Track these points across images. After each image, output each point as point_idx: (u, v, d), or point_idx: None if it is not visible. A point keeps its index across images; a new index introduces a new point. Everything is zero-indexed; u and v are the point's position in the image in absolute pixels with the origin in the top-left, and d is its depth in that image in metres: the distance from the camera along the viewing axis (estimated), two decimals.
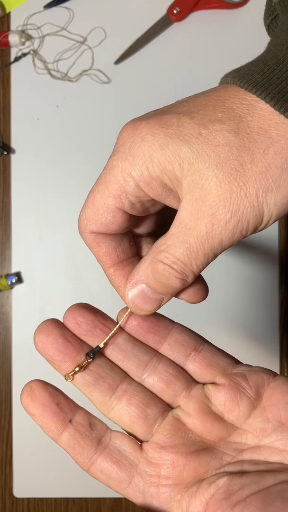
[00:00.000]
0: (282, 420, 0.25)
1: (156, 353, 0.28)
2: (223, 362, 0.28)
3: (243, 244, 0.64)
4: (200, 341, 0.29)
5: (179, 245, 0.23)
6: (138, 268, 0.26)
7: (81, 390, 0.27)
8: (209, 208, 0.22)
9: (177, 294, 0.27)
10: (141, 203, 0.24)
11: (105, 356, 0.27)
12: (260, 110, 0.22)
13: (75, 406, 0.27)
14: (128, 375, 0.27)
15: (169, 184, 0.23)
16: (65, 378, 0.27)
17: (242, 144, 0.22)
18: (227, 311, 0.65)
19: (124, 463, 0.25)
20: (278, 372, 0.64)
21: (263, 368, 0.27)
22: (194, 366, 0.28)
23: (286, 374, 0.64)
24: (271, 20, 0.30)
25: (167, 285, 0.25)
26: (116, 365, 0.28)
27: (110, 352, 0.28)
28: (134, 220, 0.26)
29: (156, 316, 0.28)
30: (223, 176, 0.22)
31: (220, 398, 0.26)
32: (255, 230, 0.23)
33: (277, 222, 0.65)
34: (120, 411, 0.26)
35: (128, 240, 0.27)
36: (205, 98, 0.24)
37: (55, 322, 0.28)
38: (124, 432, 0.27)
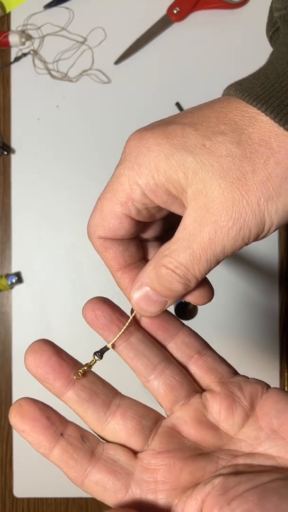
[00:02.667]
0: (275, 427, 0.26)
1: (165, 358, 0.28)
2: (222, 369, 0.29)
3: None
4: (205, 346, 0.30)
5: (183, 250, 0.24)
6: (143, 272, 0.27)
7: (74, 407, 0.27)
8: (212, 215, 0.23)
9: (183, 296, 0.28)
10: (147, 210, 0.25)
11: (95, 374, 0.28)
12: (261, 122, 0.23)
13: (65, 420, 0.27)
14: (118, 391, 0.28)
15: (174, 192, 0.24)
16: (74, 376, 0.27)
17: (244, 155, 0.23)
18: (227, 315, 0.65)
19: (120, 472, 0.25)
20: (278, 374, 0.64)
21: (258, 380, 0.28)
22: (195, 368, 0.29)
23: (286, 375, 0.64)
24: (273, 32, 0.31)
25: (170, 289, 0.26)
26: (106, 381, 0.28)
27: (121, 349, 0.28)
28: (140, 225, 0.27)
29: (168, 316, 0.29)
30: (226, 185, 0.23)
31: (216, 407, 0.27)
32: (257, 237, 0.24)
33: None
34: (116, 426, 0.27)
35: (135, 244, 0.28)
36: (208, 109, 0.25)
37: (47, 341, 0.28)
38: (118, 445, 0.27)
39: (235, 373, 0.29)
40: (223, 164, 0.23)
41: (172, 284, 0.26)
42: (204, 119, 0.24)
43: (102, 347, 0.28)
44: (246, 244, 0.24)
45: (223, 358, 0.29)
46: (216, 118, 0.24)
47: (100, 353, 0.28)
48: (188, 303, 0.47)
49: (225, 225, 0.23)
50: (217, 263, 0.25)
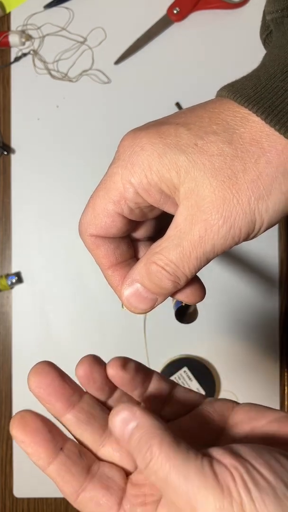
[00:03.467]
0: (248, 433, 0.26)
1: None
2: (194, 397, 0.29)
3: (241, 247, 0.65)
4: (174, 384, 0.29)
5: (173, 248, 0.24)
6: (134, 269, 0.27)
7: (72, 429, 0.27)
8: (203, 213, 0.23)
9: (174, 295, 0.28)
10: (140, 209, 0.26)
11: (94, 397, 0.28)
12: (253, 122, 0.24)
13: (65, 435, 0.27)
14: None
15: (167, 191, 0.24)
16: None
17: (235, 154, 0.23)
18: (227, 317, 0.65)
19: (114, 489, 0.25)
20: (277, 374, 0.64)
21: (228, 399, 0.28)
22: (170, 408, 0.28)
23: (286, 375, 0.64)
24: (266, 35, 0.32)
25: (160, 286, 0.26)
26: (105, 405, 0.28)
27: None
28: (132, 224, 0.27)
29: (137, 367, 0.29)
30: (217, 184, 0.23)
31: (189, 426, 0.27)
32: (248, 236, 0.24)
33: (276, 226, 0.65)
34: (110, 448, 0.26)
35: (127, 243, 0.28)
36: (201, 110, 0.25)
37: (50, 363, 0.28)
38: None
39: (205, 397, 0.29)
40: (215, 163, 0.23)
41: (161, 281, 0.26)
42: (197, 119, 0.25)
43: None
44: (237, 243, 0.24)
45: (192, 390, 0.29)
46: (208, 118, 0.24)
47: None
48: (188, 306, 0.47)
49: (215, 224, 0.23)
50: (207, 261, 0.25)
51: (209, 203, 0.23)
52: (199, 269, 0.25)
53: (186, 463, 0.20)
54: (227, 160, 0.23)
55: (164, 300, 0.27)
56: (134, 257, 0.28)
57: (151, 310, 0.28)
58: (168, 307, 0.64)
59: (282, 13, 0.28)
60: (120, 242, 0.27)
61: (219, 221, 0.23)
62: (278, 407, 0.64)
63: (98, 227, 0.26)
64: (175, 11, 0.64)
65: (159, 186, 0.24)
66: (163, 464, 0.21)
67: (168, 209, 0.26)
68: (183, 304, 0.47)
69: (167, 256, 0.25)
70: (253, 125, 0.24)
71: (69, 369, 0.63)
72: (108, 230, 0.26)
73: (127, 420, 0.23)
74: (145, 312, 0.28)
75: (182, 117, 0.25)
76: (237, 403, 0.27)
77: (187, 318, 0.50)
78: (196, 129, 0.24)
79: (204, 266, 0.25)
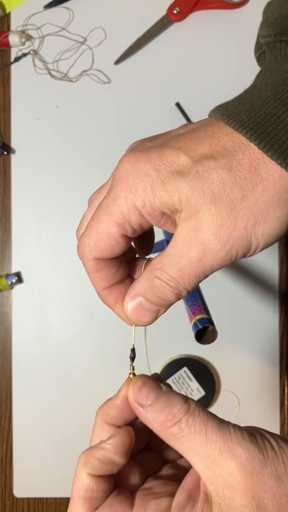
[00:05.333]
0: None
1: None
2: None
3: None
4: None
5: (173, 266, 0.26)
6: (137, 283, 0.28)
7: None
8: (201, 238, 0.25)
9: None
10: (141, 228, 0.27)
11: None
12: (250, 149, 0.24)
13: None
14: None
15: (168, 213, 0.26)
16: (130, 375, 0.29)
17: (234, 182, 0.24)
18: (226, 314, 0.65)
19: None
20: (277, 374, 0.64)
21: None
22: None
23: (285, 375, 0.64)
24: (260, 54, 0.33)
25: (163, 298, 0.27)
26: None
27: None
28: (130, 241, 0.28)
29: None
30: (216, 211, 0.24)
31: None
32: (244, 256, 0.26)
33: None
34: None
35: (123, 264, 0.29)
36: (200, 133, 0.26)
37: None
38: None
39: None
40: (214, 190, 0.24)
41: (165, 294, 0.27)
42: (197, 145, 0.26)
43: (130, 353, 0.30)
44: (234, 262, 0.26)
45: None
46: (208, 144, 0.25)
47: (133, 356, 0.30)
48: (207, 328, 0.47)
49: (213, 248, 0.25)
50: (206, 277, 0.26)
51: (207, 229, 0.24)
52: (199, 283, 0.26)
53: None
54: (226, 187, 0.24)
55: (165, 311, 0.29)
56: (127, 277, 0.30)
57: (153, 321, 0.29)
58: (169, 308, 0.64)
59: (275, 38, 0.29)
60: (119, 263, 0.28)
61: (217, 246, 0.24)
62: (278, 407, 0.64)
63: (103, 250, 0.27)
64: (175, 11, 0.64)
65: (162, 210, 0.26)
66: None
67: (168, 228, 0.27)
68: (201, 327, 0.48)
69: (168, 273, 0.26)
70: (251, 152, 0.24)
71: (69, 369, 0.63)
72: (113, 251, 0.27)
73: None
74: (148, 324, 0.29)
75: (181, 139, 0.26)
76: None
77: (207, 338, 0.50)
78: (197, 156, 0.25)
79: (204, 279, 0.26)
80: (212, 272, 0.26)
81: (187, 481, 0.25)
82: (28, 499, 0.65)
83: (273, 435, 0.25)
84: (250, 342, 0.65)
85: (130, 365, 0.29)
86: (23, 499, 0.65)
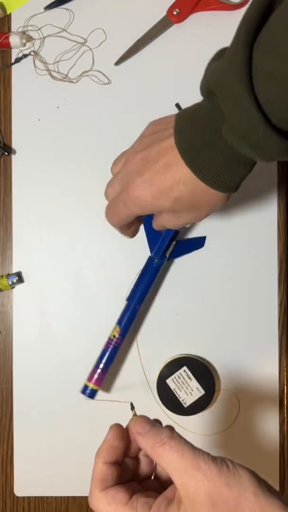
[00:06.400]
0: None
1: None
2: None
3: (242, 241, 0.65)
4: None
5: None
6: None
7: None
8: None
9: None
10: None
11: None
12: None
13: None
14: None
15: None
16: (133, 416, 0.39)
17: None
18: (226, 314, 0.65)
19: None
20: (277, 374, 0.64)
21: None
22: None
23: (285, 375, 0.65)
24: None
25: None
26: None
27: None
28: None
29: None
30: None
31: None
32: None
33: (275, 227, 0.65)
34: None
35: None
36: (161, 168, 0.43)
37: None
38: None
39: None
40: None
41: None
42: (161, 182, 0.43)
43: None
44: None
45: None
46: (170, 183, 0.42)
47: (132, 408, 0.40)
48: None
49: None
50: None
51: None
52: None
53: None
54: None
55: None
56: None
57: None
58: (168, 308, 0.65)
59: (211, 93, 0.39)
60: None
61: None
62: (277, 407, 0.64)
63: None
64: (174, 12, 0.64)
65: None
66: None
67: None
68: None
69: None
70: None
71: (69, 369, 0.64)
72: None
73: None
74: None
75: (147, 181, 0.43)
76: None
77: None
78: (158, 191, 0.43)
79: None
80: None
81: (168, 490, 0.35)
82: (29, 498, 0.65)
83: (231, 460, 0.33)
84: (249, 341, 0.65)
85: (133, 412, 0.39)
86: (23, 498, 0.65)
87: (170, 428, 0.36)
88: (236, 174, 0.39)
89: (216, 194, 0.41)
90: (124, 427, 0.38)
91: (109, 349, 0.60)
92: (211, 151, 0.38)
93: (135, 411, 0.39)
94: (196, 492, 0.31)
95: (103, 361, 0.60)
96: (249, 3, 0.36)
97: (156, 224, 0.49)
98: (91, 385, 0.60)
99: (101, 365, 0.60)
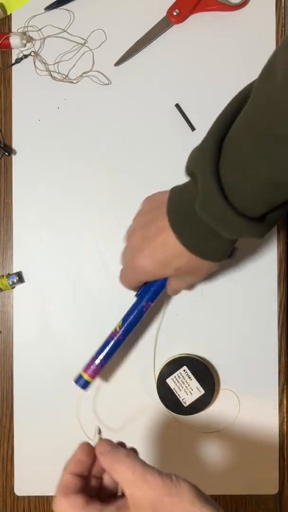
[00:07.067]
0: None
1: None
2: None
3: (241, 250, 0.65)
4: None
5: None
6: None
7: None
8: None
9: None
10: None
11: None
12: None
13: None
14: None
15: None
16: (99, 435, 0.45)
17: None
18: (226, 314, 0.65)
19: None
20: (277, 374, 0.64)
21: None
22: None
23: (285, 375, 0.65)
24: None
25: None
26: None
27: None
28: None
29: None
30: None
31: None
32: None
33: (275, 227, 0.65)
34: None
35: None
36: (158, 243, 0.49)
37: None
38: None
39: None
40: None
41: None
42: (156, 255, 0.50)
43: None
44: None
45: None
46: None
47: (99, 432, 0.47)
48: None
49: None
50: None
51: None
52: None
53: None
54: None
55: None
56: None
57: None
58: (169, 308, 0.65)
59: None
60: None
61: None
62: (277, 407, 0.65)
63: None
64: (174, 13, 0.64)
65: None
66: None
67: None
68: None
69: None
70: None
71: (70, 368, 0.64)
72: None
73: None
74: None
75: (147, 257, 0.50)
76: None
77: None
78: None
79: None
80: None
81: (119, 500, 0.40)
82: (29, 497, 0.65)
83: (176, 475, 0.38)
84: (249, 341, 0.65)
85: (99, 435, 0.46)
86: (24, 497, 0.65)
87: (131, 450, 0.43)
88: (219, 245, 0.46)
89: (207, 262, 0.47)
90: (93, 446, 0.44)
91: (110, 343, 0.59)
92: (190, 225, 0.45)
93: (100, 435, 0.45)
94: (141, 499, 0.37)
95: (102, 353, 0.59)
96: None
97: (170, 290, 0.55)
98: (85, 376, 0.59)
99: (99, 357, 0.59)
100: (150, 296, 0.57)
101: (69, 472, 0.42)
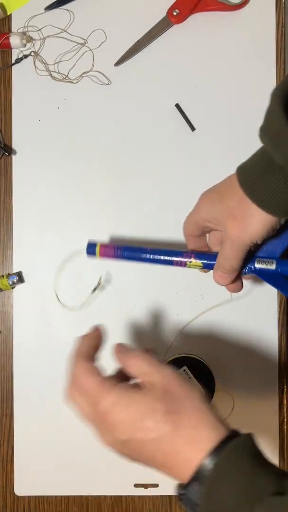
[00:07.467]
0: None
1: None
2: None
3: None
4: None
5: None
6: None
7: None
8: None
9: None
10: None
11: None
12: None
13: None
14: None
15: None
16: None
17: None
18: (226, 314, 0.65)
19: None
20: (276, 374, 0.64)
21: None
22: None
23: (285, 375, 0.65)
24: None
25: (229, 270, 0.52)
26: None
27: None
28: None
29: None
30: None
31: None
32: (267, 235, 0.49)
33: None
34: None
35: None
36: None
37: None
38: None
39: None
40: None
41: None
42: None
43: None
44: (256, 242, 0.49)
45: None
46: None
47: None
48: None
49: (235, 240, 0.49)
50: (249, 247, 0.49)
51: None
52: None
53: None
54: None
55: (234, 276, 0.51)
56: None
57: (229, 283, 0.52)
58: (169, 308, 0.65)
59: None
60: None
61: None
62: (277, 406, 0.65)
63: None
64: (174, 13, 0.64)
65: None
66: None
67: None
68: None
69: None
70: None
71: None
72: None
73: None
74: (227, 284, 0.52)
75: None
76: None
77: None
78: None
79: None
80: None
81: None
82: (29, 497, 0.66)
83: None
84: (249, 341, 0.65)
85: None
86: (24, 497, 0.65)
87: (144, 350, 0.45)
88: (275, 180, 0.45)
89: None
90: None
91: (139, 252, 0.54)
92: (256, 172, 0.45)
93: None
94: (155, 382, 0.40)
95: (127, 250, 0.54)
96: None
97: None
98: (97, 248, 0.55)
99: (122, 248, 0.55)
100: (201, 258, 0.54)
101: (87, 342, 0.47)
